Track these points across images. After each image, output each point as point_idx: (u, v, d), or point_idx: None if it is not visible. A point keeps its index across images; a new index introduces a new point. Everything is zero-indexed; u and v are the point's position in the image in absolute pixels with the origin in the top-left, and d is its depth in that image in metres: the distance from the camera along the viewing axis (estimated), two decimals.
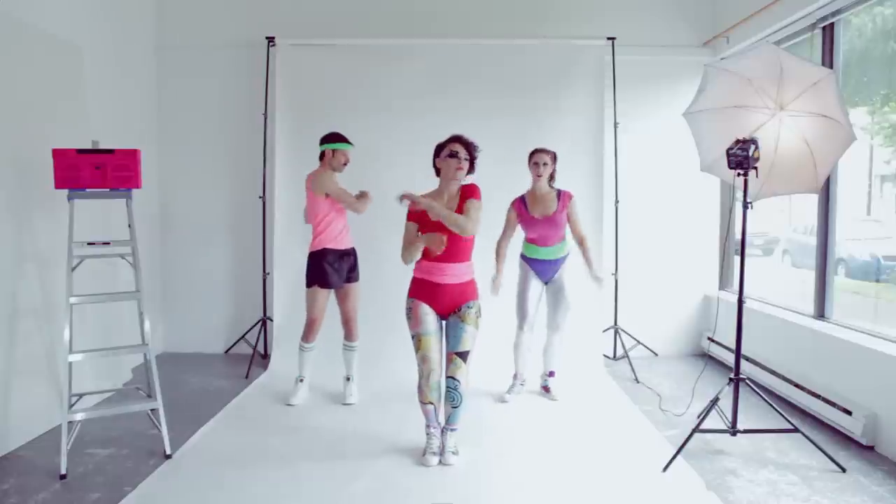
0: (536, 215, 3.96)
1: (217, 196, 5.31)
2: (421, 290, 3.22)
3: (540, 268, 4.02)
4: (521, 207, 4.01)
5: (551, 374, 4.20)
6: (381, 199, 4.73)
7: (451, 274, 3.17)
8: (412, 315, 3.20)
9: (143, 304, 3.35)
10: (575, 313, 4.78)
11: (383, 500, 2.82)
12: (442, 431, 3.26)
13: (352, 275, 4.06)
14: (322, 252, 3.93)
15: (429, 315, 3.19)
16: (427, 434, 3.28)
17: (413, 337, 3.20)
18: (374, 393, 4.20)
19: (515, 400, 4.13)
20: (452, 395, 3.12)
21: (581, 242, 4.01)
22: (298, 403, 4.04)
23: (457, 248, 3.16)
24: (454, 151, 3.15)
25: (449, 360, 3.15)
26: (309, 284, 3.97)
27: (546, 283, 4.06)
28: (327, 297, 4.02)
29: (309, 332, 4.03)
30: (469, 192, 3.19)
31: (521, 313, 4.06)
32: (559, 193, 3.99)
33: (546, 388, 4.20)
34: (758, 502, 2.80)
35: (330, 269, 3.94)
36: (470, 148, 3.20)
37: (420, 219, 3.19)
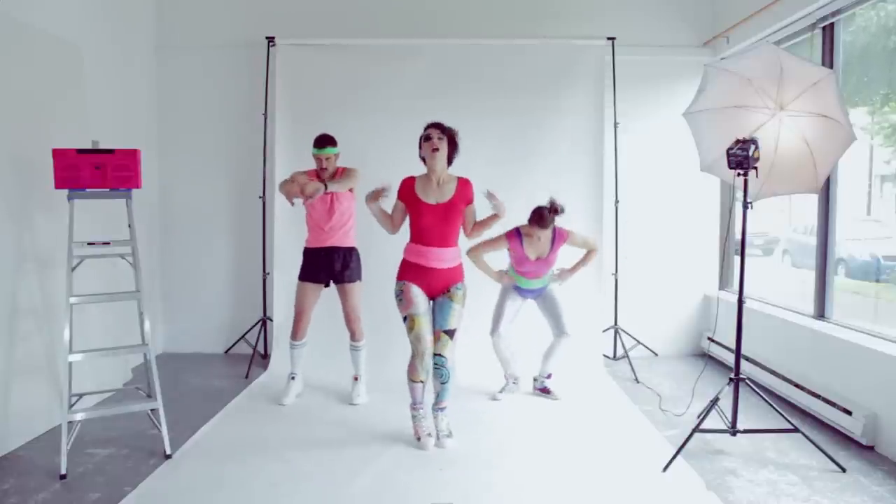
0: (531, 256, 3.93)
1: (217, 196, 5.31)
2: (412, 272, 3.32)
3: (524, 293, 4.09)
4: (517, 244, 3.89)
5: (548, 376, 4.18)
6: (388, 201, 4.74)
7: (442, 259, 3.29)
8: (403, 297, 3.29)
9: (143, 304, 3.36)
10: (575, 313, 4.79)
11: (383, 500, 2.82)
12: (434, 415, 3.37)
13: (345, 274, 4.02)
14: (304, 249, 4.08)
15: (419, 296, 3.29)
16: (413, 416, 3.40)
17: (405, 318, 3.30)
18: (374, 392, 4.19)
19: (515, 400, 4.13)
20: (441, 371, 3.25)
21: (587, 253, 4.06)
22: (289, 403, 4.02)
23: (449, 232, 3.30)
24: (427, 135, 3.29)
25: (437, 338, 3.26)
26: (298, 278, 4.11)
27: (532, 298, 4.12)
28: (312, 293, 4.03)
29: (294, 326, 4.05)
30: (469, 193, 3.34)
31: (495, 320, 4.08)
32: (553, 235, 3.90)
33: (544, 390, 4.17)
34: (758, 502, 2.80)
35: (309, 264, 4.03)
36: (443, 127, 3.31)
37: (408, 198, 3.32)
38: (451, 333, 3.27)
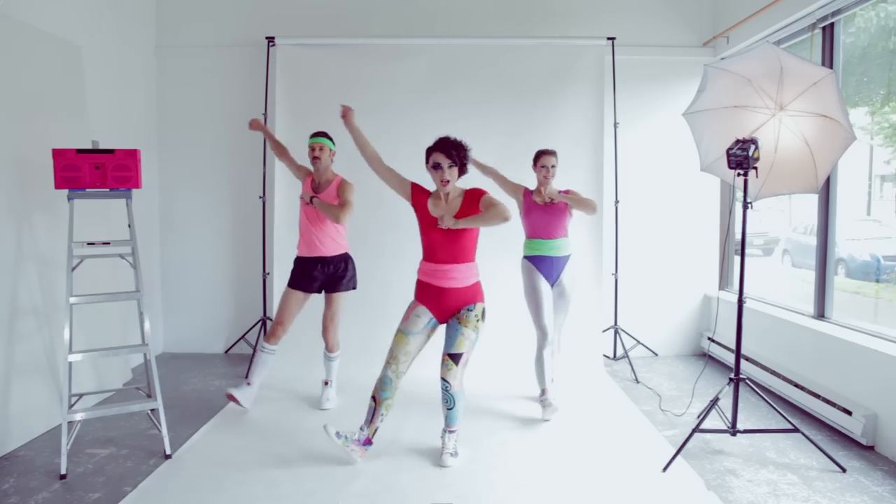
0: (538, 201, 3.90)
1: (217, 196, 5.31)
2: (424, 294, 3.20)
3: (545, 267, 3.89)
4: (528, 194, 3.97)
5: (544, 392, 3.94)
6: (377, 200, 4.76)
7: (455, 277, 3.13)
8: (406, 311, 3.22)
9: (143, 304, 3.36)
10: (575, 313, 4.80)
11: (382, 501, 2.82)
12: (442, 433, 3.26)
13: (336, 284, 3.93)
14: (296, 258, 3.98)
15: (420, 317, 3.17)
16: (359, 429, 3.20)
17: (396, 330, 3.21)
18: (371, 393, 4.16)
19: (515, 400, 4.12)
20: (445, 396, 3.12)
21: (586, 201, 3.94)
22: (248, 406, 3.88)
23: (460, 248, 3.12)
24: (437, 163, 3.10)
25: (442, 362, 3.12)
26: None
27: (552, 286, 3.93)
28: (298, 302, 3.91)
29: (271, 330, 3.89)
30: (478, 194, 3.13)
31: (540, 327, 3.83)
32: (563, 192, 3.95)
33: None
34: (758, 502, 2.80)
35: (300, 272, 3.92)
36: (453, 154, 3.09)
37: (418, 208, 3.17)
38: (455, 358, 3.07)
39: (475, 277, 3.21)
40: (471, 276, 3.18)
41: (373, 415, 3.16)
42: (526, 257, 3.97)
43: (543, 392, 3.88)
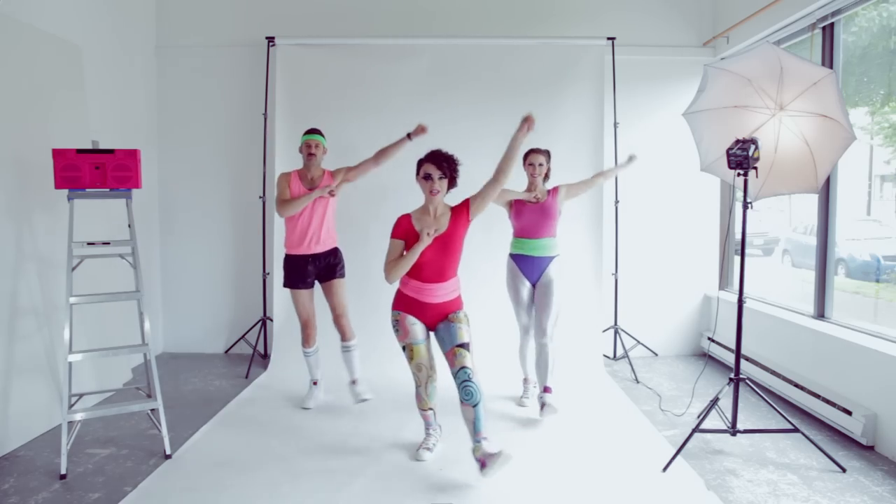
0: (527, 199, 3.87)
1: (217, 196, 5.31)
2: (407, 305, 3.18)
3: (527, 266, 3.86)
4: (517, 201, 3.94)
5: (546, 389, 3.81)
6: (376, 197, 4.77)
7: (440, 294, 3.15)
8: (399, 327, 3.17)
9: (143, 304, 3.36)
10: (575, 313, 4.80)
11: (383, 501, 2.82)
12: (476, 447, 2.98)
13: (331, 273, 3.94)
14: (287, 256, 3.96)
15: (416, 325, 3.15)
16: (427, 434, 3.33)
17: (404, 348, 3.16)
18: (372, 392, 4.17)
19: (514, 401, 4.13)
20: (469, 388, 2.94)
21: (596, 177, 4.05)
22: (314, 406, 4.00)
23: (447, 263, 3.14)
24: (427, 174, 3.11)
25: (453, 355, 3.05)
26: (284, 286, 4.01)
27: (534, 286, 3.90)
28: (309, 297, 3.94)
29: (303, 335, 3.97)
30: (464, 204, 3.17)
31: (520, 321, 3.97)
32: (550, 190, 3.91)
33: (542, 405, 3.82)
34: (758, 502, 2.80)
35: (293, 270, 3.92)
36: (444, 167, 3.11)
37: (408, 237, 3.13)
38: (465, 346, 3.05)
39: (458, 291, 3.25)
40: (455, 290, 3.22)
41: (435, 415, 3.29)
42: (510, 255, 3.97)
43: (526, 380, 4.13)
